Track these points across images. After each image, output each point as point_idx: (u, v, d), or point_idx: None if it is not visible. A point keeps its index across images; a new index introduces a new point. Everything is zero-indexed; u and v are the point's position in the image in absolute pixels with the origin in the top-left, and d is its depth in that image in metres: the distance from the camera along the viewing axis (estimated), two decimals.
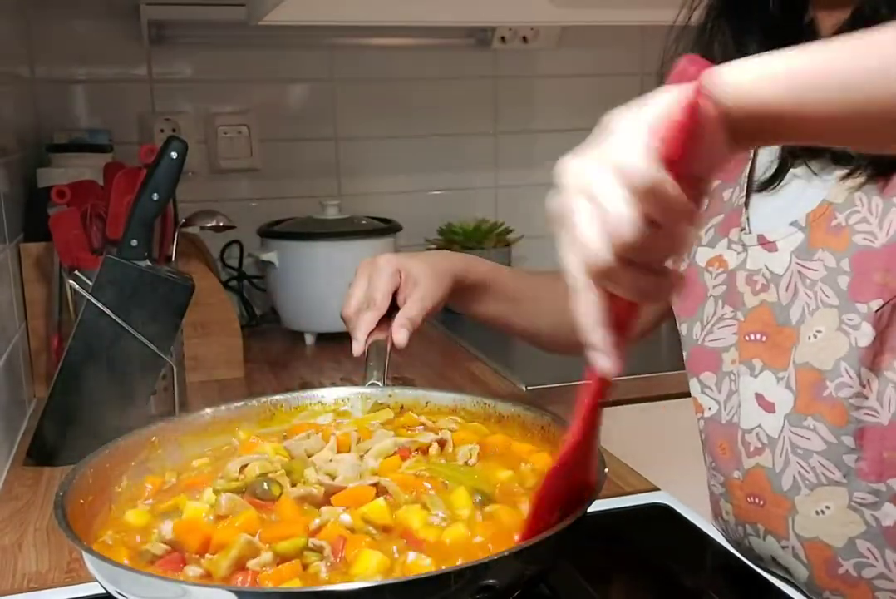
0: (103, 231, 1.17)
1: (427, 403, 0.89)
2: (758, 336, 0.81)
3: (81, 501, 0.69)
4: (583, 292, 0.51)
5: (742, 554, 0.84)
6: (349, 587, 0.55)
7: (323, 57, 1.82)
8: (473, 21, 1.70)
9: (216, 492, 0.70)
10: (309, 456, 0.77)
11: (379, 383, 0.90)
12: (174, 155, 1.04)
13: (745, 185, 0.86)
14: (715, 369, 0.85)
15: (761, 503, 0.81)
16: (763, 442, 0.80)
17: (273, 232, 1.64)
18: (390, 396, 0.90)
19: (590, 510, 0.87)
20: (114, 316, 1.04)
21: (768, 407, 0.80)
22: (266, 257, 1.61)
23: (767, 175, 0.84)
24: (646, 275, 0.50)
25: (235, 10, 1.51)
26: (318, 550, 0.62)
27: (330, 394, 0.90)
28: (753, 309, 0.82)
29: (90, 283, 1.06)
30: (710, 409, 0.86)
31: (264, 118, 1.79)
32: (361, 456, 0.77)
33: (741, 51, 0.82)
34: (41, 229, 1.23)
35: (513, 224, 1.88)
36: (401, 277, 0.94)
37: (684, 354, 0.90)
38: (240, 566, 0.61)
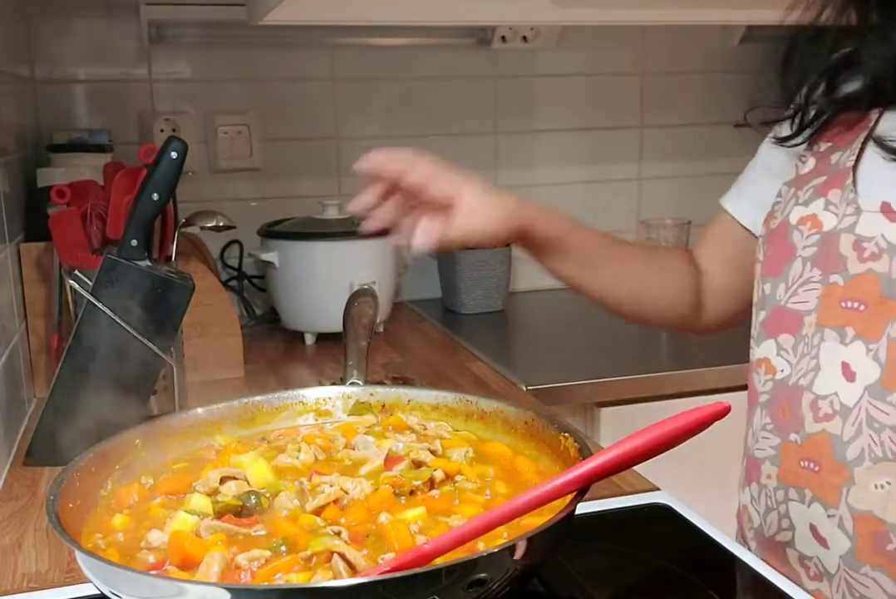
0: (103, 231, 1.17)
1: (409, 401, 0.89)
2: (856, 305, 0.79)
3: (70, 505, 0.69)
4: None
5: (763, 527, 0.84)
6: (343, 583, 0.55)
7: (323, 56, 1.82)
8: (473, 21, 1.70)
9: (200, 515, 0.69)
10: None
11: (359, 381, 0.90)
12: (174, 155, 1.04)
13: (859, 150, 0.83)
14: (794, 332, 0.84)
15: (817, 468, 0.80)
16: (835, 409, 0.79)
17: (273, 232, 1.64)
18: (372, 395, 0.90)
19: (590, 509, 0.88)
20: (114, 316, 1.04)
21: (850, 376, 0.78)
22: (266, 257, 1.61)
23: None
24: None
25: (235, 10, 1.51)
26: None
27: (311, 394, 0.90)
28: (857, 276, 0.79)
29: (90, 283, 1.06)
30: (781, 371, 0.85)
31: (264, 118, 1.79)
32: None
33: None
34: (41, 229, 1.23)
35: None
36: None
37: (762, 313, 0.88)
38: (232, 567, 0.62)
